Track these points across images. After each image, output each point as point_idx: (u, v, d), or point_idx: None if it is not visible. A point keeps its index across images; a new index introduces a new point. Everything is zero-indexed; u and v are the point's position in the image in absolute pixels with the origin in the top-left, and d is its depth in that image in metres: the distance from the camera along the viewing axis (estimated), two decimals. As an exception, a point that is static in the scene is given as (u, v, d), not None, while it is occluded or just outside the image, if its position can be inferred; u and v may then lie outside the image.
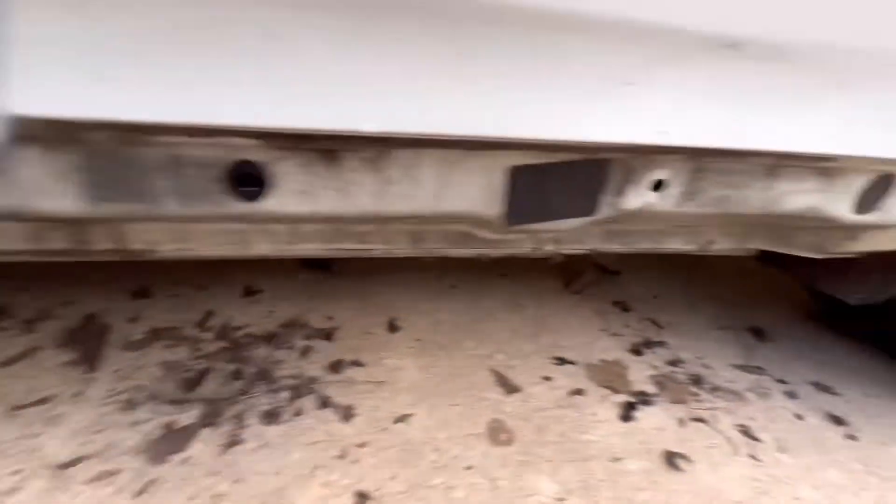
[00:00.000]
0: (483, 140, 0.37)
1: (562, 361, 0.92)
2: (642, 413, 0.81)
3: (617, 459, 0.71)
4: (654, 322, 1.12)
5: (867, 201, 0.55)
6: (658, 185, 0.48)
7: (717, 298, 1.29)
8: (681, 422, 0.81)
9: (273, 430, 0.67)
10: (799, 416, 0.86)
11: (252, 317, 0.93)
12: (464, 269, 1.24)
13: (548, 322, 1.06)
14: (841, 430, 0.84)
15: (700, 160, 0.46)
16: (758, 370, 0.98)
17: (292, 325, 0.92)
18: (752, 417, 0.84)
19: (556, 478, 0.66)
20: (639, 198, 0.48)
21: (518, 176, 0.43)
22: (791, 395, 0.92)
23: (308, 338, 0.89)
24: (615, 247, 0.63)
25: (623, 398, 0.84)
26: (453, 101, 0.34)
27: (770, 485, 0.70)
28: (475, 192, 0.43)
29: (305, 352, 0.85)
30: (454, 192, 0.42)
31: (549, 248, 0.59)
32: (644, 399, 0.84)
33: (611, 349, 0.99)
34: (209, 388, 0.72)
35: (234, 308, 0.95)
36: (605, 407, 0.82)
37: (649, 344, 1.02)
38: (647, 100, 0.36)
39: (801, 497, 0.69)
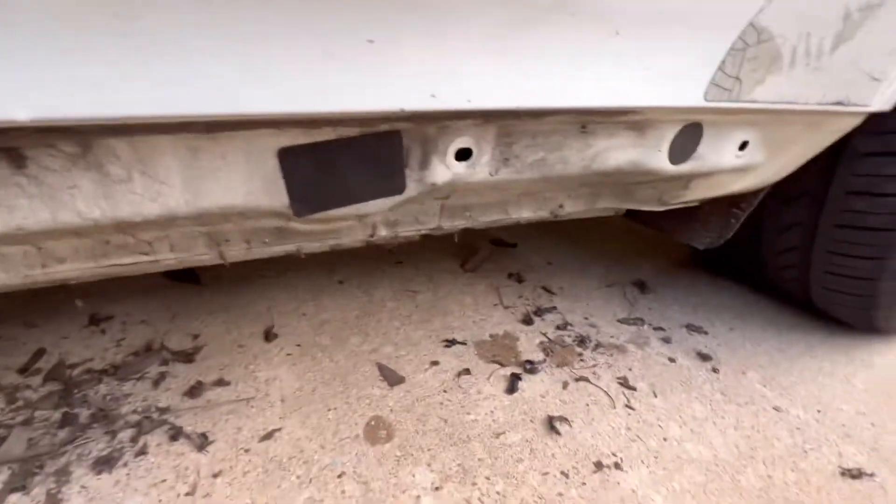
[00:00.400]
0: (218, 119, 0.31)
1: (451, 343, 0.91)
2: (527, 383, 0.82)
3: (498, 434, 0.70)
4: (547, 289, 1.14)
5: (681, 151, 0.56)
6: (465, 155, 0.45)
7: (606, 257, 1.35)
8: (564, 385, 0.82)
9: (106, 479, 0.58)
10: (672, 360, 0.92)
11: (96, 349, 0.81)
12: (355, 263, 1.18)
13: (441, 305, 1.04)
14: (707, 365, 0.91)
15: (501, 124, 0.44)
16: (638, 321, 1.03)
17: (146, 352, 0.81)
18: (631, 368, 0.88)
19: (433, 466, 0.64)
20: (446, 170, 0.45)
21: (291, 159, 0.37)
22: (666, 340, 0.98)
23: (164, 363, 0.79)
24: (459, 223, 0.60)
25: (510, 370, 0.84)
26: (155, 73, 0.28)
27: (641, 430, 0.74)
28: (242, 183, 0.37)
29: (159, 380, 0.75)
30: (212, 185, 0.36)
31: (385, 233, 0.55)
32: (531, 368, 0.85)
33: (503, 323, 0.99)
34: (18, 445, 0.61)
35: (73, 342, 0.82)
36: (490, 383, 0.81)
37: (540, 312, 1.04)
38: (397, 59, 0.33)
39: (668, 436, 0.73)
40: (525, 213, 0.65)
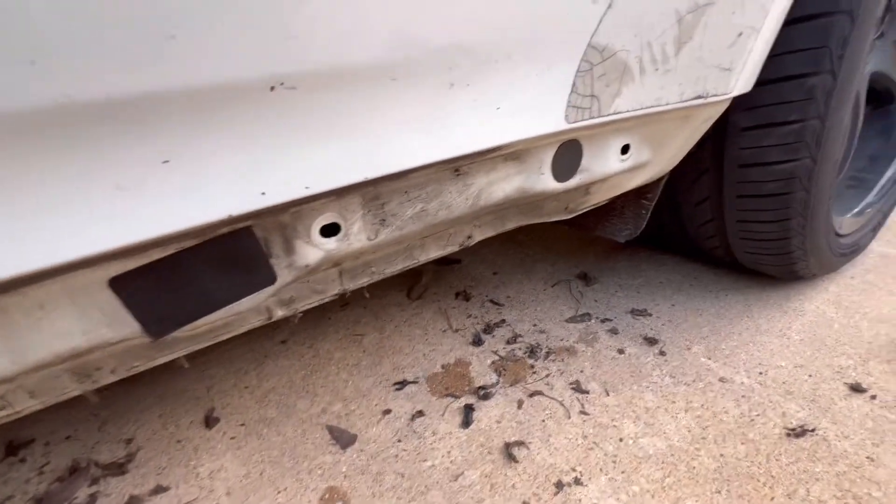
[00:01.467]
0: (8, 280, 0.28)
1: (402, 385, 0.88)
2: (482, 411, 0.81)
3: (457, 476, 0.69)
4: (494, 302, 1.14)
5: (566, 168, 0.56)
6: (333, 229, 0.43)
7: (552, 254, 1.36)
8: (519, 404, 0.82)
9: None
10: (621, 351, 0.93)
11: (16, 483, 0.74)
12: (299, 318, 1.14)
13: (389, 344, 1.01)
14: (654, 349, 0.93)
15: (363, 192, 0.42)
16: (586, 317, 1.05)
17: (72, 474, 0.74)
18: (582, 370, 0.89)
19: (393, 530, 0.62)
20: (316, 249, 0.43)
21: (127, 285, 0.34)
22: (614, 331, 0.99)
23: (94, 482, 0.73)
24: (364, 280, 0.58)
25: (464, 401, 0.83)
26: None
27: (598, 435, 0.74)
28: (75, 323, 0.33)
29: (90, 502, 0.69)
30: (37, 336, 0.32)
31: (283, 313, 0.52)
32: (484, 394, 0.84)
33: (453, 349, 0.98)
34: None
35: (-11, 481, 0.75)
36: (445, 419, 0.80)
37: (489, 328, 1.03)
38: (204, 170, 0.30)
39: (624, 435, 0.74)
40: (433, 253, 0.63)
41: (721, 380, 0.84)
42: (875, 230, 1.17)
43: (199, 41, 0.27)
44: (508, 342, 0.98)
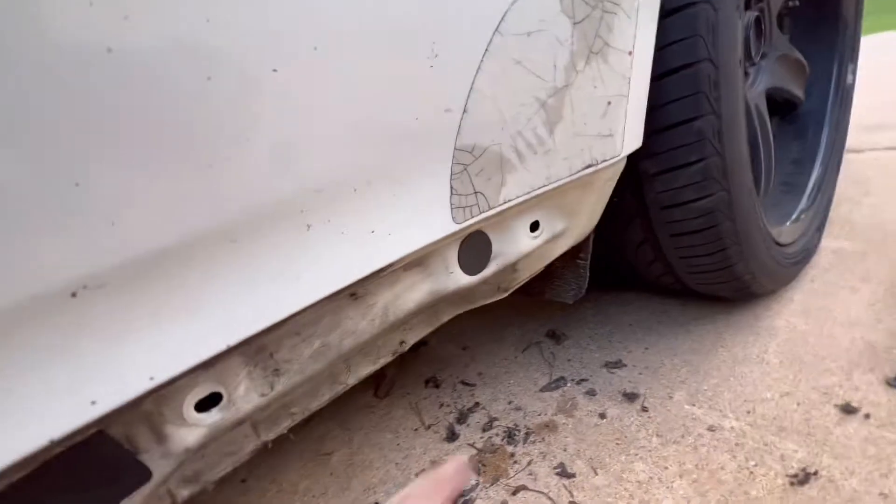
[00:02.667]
0: None
1: (375, 509, 0.79)
2: (463, 525, 0.72)
3: None
4: (466, 383, 1.07)
5: (476, 262, 0.54)
6: (214, 399, 0.39)
7: (519, 317, 1.32)
8: (503, 506, 0.74)
9: None
10: (602, 415, 0.87)
11: None
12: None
13: (358, 460, 0.92)
14: (636, 406, 0.87)
15: (239, 351, 0.38)
16: (560, 382, 0.99)
17: None
18: (565, 448, 0.82)
19: None
20: (196, 428, 0.38)
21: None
22: (591, 393, 0.94)
23: None
24: (286, 424, 0.52)
25: (443, 517, 0.74)
26: None
27: (592, 530, 0.66)
28: None
29: None
30: None
31: (189, 492, 0.45)
32: (464, 502, 0.76)
33: (427, 450, 0.90)
34: None
35: None
36: (424, 547, 0.70)
37: (463, 416, 0.96)
38: (18, 393, 0.26)
39: (621, 523, 0.66)
40: (364, 371, 0.59)
41: (710, 429, 0.78)
42: (820, 229, 1.19)
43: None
44: (484, 429, 0.91)
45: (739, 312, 1.06)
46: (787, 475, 0.66)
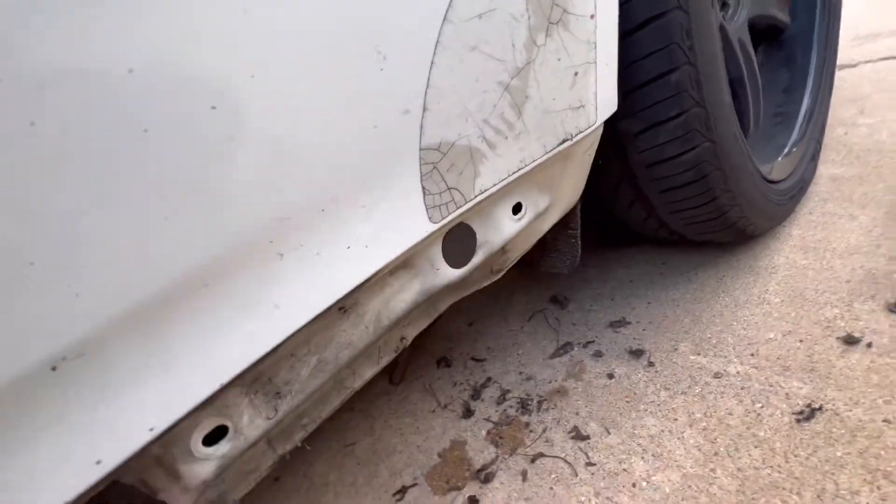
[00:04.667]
0: None
1: (402, 492, 0.83)
2: (487, 498, 0.75)
3: (477, 592, 0.63)
4: (476, 358, 1.10)
5: (461, 254, 0.54)
6: (220, 432, 0.40)
7: (523, 283, 1.33)
8: (524, 475, 0.76)
9: None
10: (610, 376, 0.89)
11: None
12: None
13: (382, 447, 0.96)
14: (642, 361, 0.89)
15: (235, 384, 0.39)
16: (568, 347, 1.00)
17: None
18: (577, 410, 0.84)
19: None
20: (206, 462, 0.39)
21: None
22: (598, 354, 0.95)
23: None
24: (300, 435, 0.54)
25: (467, 492, 0.77)
26: None
27: (609, 488, 0.69)
28: None
29: None
30: None
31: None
32: (486, 476, 0.79)
33: (446, 430, 0.93)
34: None
35: None
36: (453, 522, 0.74)
37: (477, 392, 0.98)
38: (20, 471, 0.27)
39: (636, 479, 0.69)
40: (369, 373, 0.60)
41: (716, 376, 0.79)
42: (815, 158, 1.16)
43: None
44: (498, 402, 0.94)
45: (740, 252, 1.06)
46: (792, 413, 0.68)
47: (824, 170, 1.24)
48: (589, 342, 0.99)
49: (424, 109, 0.42)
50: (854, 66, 1.92)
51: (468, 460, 0.84)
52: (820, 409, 0.67)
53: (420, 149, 0.43)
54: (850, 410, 0.66)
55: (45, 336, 0.26)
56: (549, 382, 0.93)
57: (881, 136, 1.30)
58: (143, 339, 0.30)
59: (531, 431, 0.84)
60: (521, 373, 0.99)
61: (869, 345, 0.74)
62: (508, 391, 0.96)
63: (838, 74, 1.85)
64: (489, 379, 1.02)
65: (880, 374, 0.69)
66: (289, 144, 0.34)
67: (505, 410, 0.91)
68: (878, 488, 0.56)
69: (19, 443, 0.28)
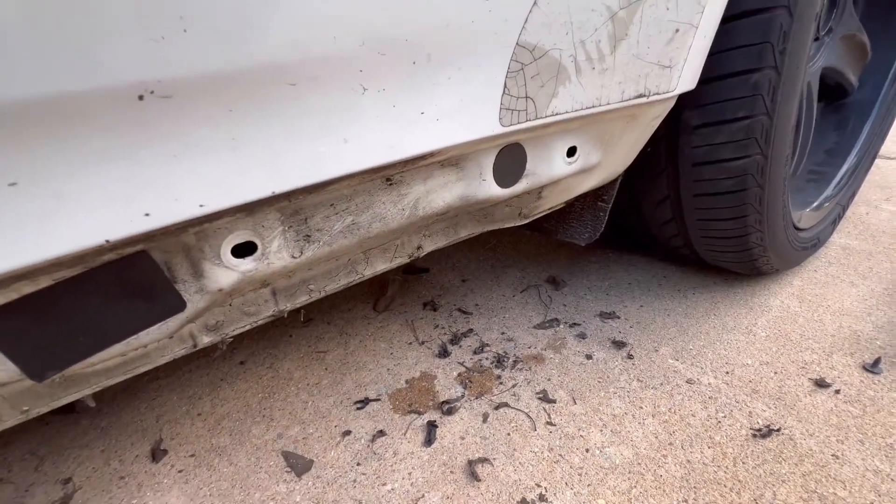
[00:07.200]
0: None
1: (364, 403, 0.85)
2: (446, 427, 0.77)
3: (416, 500, 0.65)
4: (462, 310, 1.11)
5: (510, 174, 0.54)
6: (249, 248, 0.40)
7: (521, 260, 1.34)
8: (484, 417, 0.79)
9: None
10: (588, 356, 0.91)
11: (-64, 536, 0.68)
12: (260, 335, 1.09)
13: (352, 360, 0.97)
14: (622, 353, 0.91)
15: (279, 206, 0.39)
16: (554, 323, 1.03)
17: (0, 521, 0.69)
18: (549, 378, 0.87)
19: (347, 564, 0.58)
20: (230, 271, 0.39)
21: (-4, 323, 0.30)
22: (582, 336, 0.98)
23: (24, 529, 0.67)
24: (303, 299, 0.54)
25: (427, 417, 0.80)
26: None
27: (564, 447, 0.72)
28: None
29: (17, 554, 0.64)
30: None
31: (209, 339, 0.48)
32: (448, 409, 0.81)
33: (419, 362, 0.95)
34: None
35: None
36: (408, 438, 0.76)
37: (456, 339, 1.00)
38: (65, 192, 0.27)
39: (591, 446, 0.72)
40: (380, 266, 0.60)
41: (688, 381, 0.82)
42: (835, 223, 1.19)
43: (32, 50, 0.24)
44: (475, 352, 0.96)
45: (738, 286, 1.09)
46: (751, 428, 0.72)
47: (838, 238, 1.28)
48: (576, 324, 1.02)
49: (535, 4, 0.41)
50: (892, 158, 1.95)
51: (434, 392, 0.86)
52: (778, 430, 0.70)
53: (517, 44, 0.43)
54: (805, 440, 0.69)
55: (137, 62, 0.26)
56: (529, 348, 0.96)
57: (900, 222, 1.34)
58: (227, 110, 0.30)
59: (501, 384, 0.87)
60: (503, 333, 1.01)
61: (837, 391, 0.77)
62: (487, 345, 0.98)
63: (876, 161, 1.88)
64: (471, 330, 1.04)
65: (840, 417, 0.73)
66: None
67: (480, 360, 0.94)
68: (810, 509, 0.60)
69: (82, 169, 0.27)
